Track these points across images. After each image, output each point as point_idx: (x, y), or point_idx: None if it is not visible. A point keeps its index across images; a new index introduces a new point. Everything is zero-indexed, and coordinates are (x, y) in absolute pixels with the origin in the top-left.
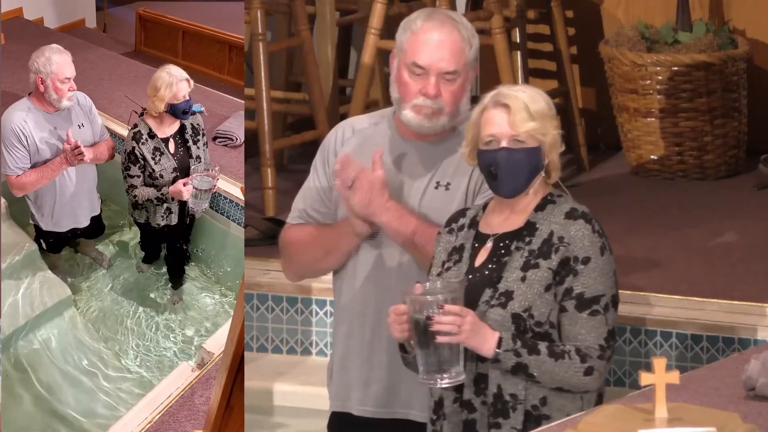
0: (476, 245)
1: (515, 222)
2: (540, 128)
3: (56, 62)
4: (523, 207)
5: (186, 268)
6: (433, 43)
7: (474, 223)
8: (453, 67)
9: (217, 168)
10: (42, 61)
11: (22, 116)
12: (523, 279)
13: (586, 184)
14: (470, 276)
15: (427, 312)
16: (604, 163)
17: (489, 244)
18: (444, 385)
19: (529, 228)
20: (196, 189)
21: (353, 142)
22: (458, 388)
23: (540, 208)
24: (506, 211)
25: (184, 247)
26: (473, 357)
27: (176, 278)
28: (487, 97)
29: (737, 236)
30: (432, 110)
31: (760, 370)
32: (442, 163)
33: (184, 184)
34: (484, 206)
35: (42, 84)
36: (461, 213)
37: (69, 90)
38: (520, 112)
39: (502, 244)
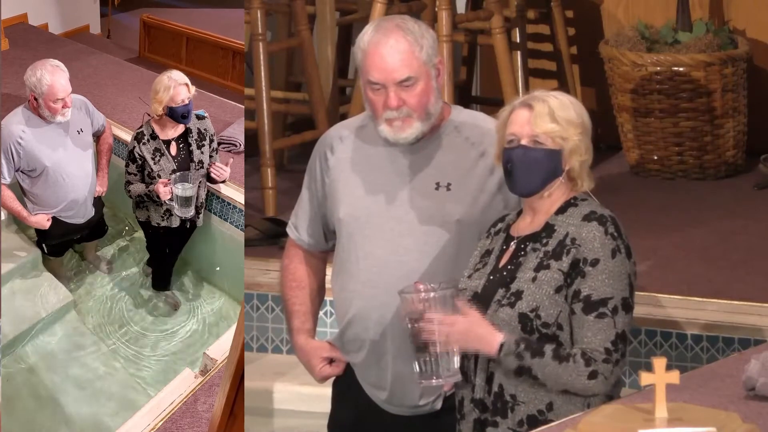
0: (504, 248)
1: (537, 224)
2: (561, 132)
3: (47, 84)
4: (544, 210)
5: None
6: (381, 57)
7: (507, 227)
8: (406, 74)
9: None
10: (34, 81)
11: (20, 129)
12: (534, 279)
13: None
14: (491, 277)
15: (411, 317)
16: (604, 163)
17: (512, 246)
18: (437, 384)
19: (548, 230)
20: (177, 195)
21: (344, 148)
22: (473, 388)
23: (561, 211)
24: (530, 214)
25: (177, 253)
26: (485, 357)
27: (160, 280)
28: (519, 99)
29: (737, 236)
30: (402, 120)
31: (760, 370)
32: (435, 163)
33: (165, 185)
34: (520, 212)
35: (35, 101)
36: (501, 219)
37: (63, 107)
38: (543, 114)
39: (522, 246)
